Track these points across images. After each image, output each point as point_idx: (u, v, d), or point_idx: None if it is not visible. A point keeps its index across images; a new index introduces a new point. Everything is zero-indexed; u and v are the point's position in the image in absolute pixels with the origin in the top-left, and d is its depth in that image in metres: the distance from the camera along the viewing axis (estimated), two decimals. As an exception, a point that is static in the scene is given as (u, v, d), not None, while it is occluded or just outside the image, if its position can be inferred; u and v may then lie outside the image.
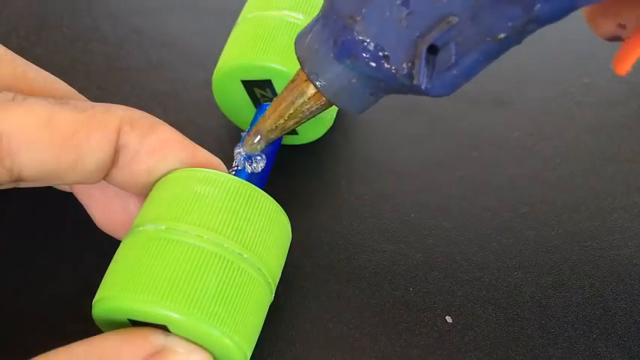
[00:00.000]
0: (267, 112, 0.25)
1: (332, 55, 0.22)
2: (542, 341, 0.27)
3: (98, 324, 0.24)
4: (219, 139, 0.32)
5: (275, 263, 0.24)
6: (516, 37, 0.21)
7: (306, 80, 0.24)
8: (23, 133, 0.22)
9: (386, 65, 0.22)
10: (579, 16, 0.38)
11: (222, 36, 0.31)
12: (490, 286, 0.28)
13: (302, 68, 0.24)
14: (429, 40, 0.21)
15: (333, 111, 0.31)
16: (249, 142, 0.26)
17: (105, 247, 0.25)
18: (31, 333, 0.27)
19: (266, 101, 0.30)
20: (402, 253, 0.29)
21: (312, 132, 0.31)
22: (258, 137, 0.26)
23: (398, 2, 0.21)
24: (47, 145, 0.22)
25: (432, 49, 0.21)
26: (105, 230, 0.27)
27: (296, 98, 0.24)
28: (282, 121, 0.25)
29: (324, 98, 0.24)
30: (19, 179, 0.23)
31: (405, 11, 0.21)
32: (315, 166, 0.32)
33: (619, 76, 0.35)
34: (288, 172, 0.31)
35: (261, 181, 0.27)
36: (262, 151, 0.27)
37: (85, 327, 0.23)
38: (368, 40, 0.21)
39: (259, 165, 0.27)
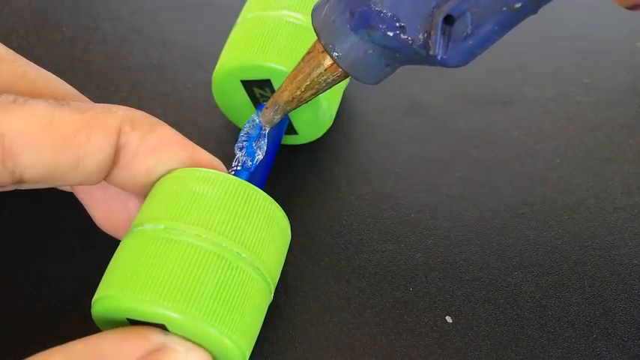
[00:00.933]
0: (283, 84, 0.26)
1: (348, 26, 0.23)
2: (542, 341, 0.27)
3: (97, 323, 0.24)
4: (219, 139, 0.32)
5: (274, 263, 0.24)
6: (532, 6, 0.21)
7: (322, 51, 0.24)
8: (25, 135, 0.22)
9: (402, 36, 0.22)
10: (580, 15, 0.38)
11: (222, 36, 0.31)
12: (490, 286, 0.28)
13: (318, 39, 0.24)
14: (445, 10, 0.21)
15: (333, 111, 0.31)
16: (268, 114, 0.26)
17: (105, 247, 0.25)
18: (31, 333, 0.27)
19: (265, 101, 0.30)
20: (402, 253, 0.29)
21: (312, 132, 0.31)
22: (276, 108, 0.26)
23: None
24: (49, 146, 0.22)
25: (448, 20, 0.21)
26: (105, 230, 0.27)
27: (312, 69, 0.25)
28: (298, 92, 0.25)
29: (340, 69, 0.24)
30: (20, 181, 0.23)
31: None
32: (315, 166, 0.32)
33: (619, 76, 0.35)
34: (288, 172, 0.31)
35: (261, 180, 0.27)
36: (261, 146, 0.27)
37: (85, 327, 0.23)
38: (384, 11, 0.21)
39: (261, 152, 0.27)
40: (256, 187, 0.24)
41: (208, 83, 0.30)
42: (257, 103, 0.30)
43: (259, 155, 0.27)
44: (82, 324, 0.24)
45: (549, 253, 0.29)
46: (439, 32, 0.21)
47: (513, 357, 0.26)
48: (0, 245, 0.29)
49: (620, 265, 0.29)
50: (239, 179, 0.24)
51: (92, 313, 0.23)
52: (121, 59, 0.36)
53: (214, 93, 0.30)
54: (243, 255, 0.23)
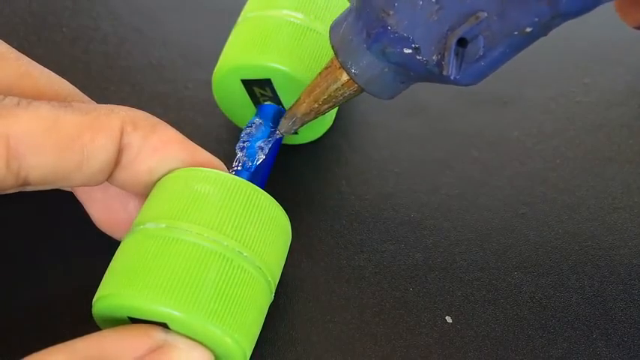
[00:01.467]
0: (302, 97, 0.26)
1: (365, 45, 0.23)
2: (542, 341, 0.27)
3: (98, 323, 0.24)
4: (219, 139, 0.32)
5: (275, 262, 0.24)
6: (542, 30, 0.21)
7: (339, 67, 0.25)
8: (29, 137, 0.22)
9: (417, 56, 0.22)
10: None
11: (222, 36, 0.31)
12: (490, 286, 0.28)
13: (336, 57, 0.25)
14: (459, 33, 0.21)
15: (332, 111, 0.31)
16: (286, 125, 0.27)
17: (105, 247, 0.25)
18: (31, 333, 0.27)
19: (265, 100, 0.30)
20: (402, 253, 0.29)
21: (311, 131, 0.31)
22: (294, 120, 0.27)
23: None
24: (53, 148, 0.22)
25: (461, 42, 0.22)
26: (104, 230, 0.27)
27: (330, 84, 0.25)
28: (316, 105, 0.26)
29: (356, 85, 0.25)
30: (25, 183, 0.23)
31: (436, 6, 0.22)
32: (315, 166, 0.32)
33: (619, 76, 0.35)
34: (288, 172, 0.31)
35: (261, 180, 0.27)
36: (264, 147, 0.28)
37: (85, 327, 0.23)
38: (399, 33, 0.22)
39: (263, 154, 0.28)
40: (257, 187, 0.24)
41: (208, 83, 0.30)
42: (257, 102, 0.30)
43: (261, 156, 0.27)
44: (83, 324, 0.23)
45: (549, 253, 0.29)
46: (452, 54, 0.22)
47: (513, 357, 0.26)
48: (0, 245, 0.29)
49: (620, 265, 0.29)
50: (241, 179, 0.24)
51: (93, 312, 0.23)
52: (121, 59, 0.35)
53: (214, 92, 0.30)
54: (245, 254, 0.23)
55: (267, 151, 0.28)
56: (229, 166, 0.27)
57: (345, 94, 0.26)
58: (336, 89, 0.26)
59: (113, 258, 0.23)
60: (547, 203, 0.30)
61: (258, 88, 0.29)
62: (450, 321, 0.27)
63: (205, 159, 0.25)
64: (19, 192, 0.27)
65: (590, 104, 0.34)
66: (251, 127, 0.29)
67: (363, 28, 0.23)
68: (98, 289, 0.23)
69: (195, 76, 0.35)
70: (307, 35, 0.29)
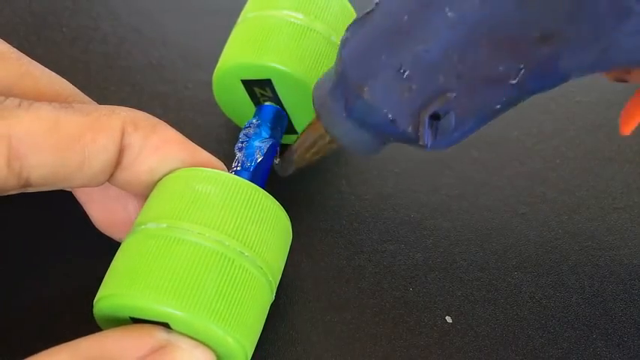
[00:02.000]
0: (295, 146, 0.27)
1: (344, 114, 0.24)
2: (542, 341, 0.27)
3: (100, 323, 0.24)
4: (219, 139, 0.32)
5: (276, 262, 0.24)
6: (512, 105, 0.22)
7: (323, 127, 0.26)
8: (31, 138, 0.22)
9: (392, 127, 0.23)
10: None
11: (222, 36, 0.31)
12: (490, 286, 0.28)
13: (318, 119, 0.25)
14: (430, 110, 0.22)
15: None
16: (283, 168, 0.28)
17: (105, 247, 0.25)
18: (31, 333, 0.27)
19: (266, 100, 0.30)
20: (402, 253, 0.29)
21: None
22: (289, 165, 0.28)
23: (400, 77, 0.22)
24: (54, 148, 0.22)
25: (435, 115, 0.22)
26: (102, 230, 0.27)
27: (317, 140, 0.26)
28: (307, 155, 0.27)
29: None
30: (27, 184, 0.23)
31: (407, 85, 0.22)
32: (315, 166, 0.32)
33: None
34: (288, 172, 0.31)
35: (261, 180, 0.27)
36: (262, 145, 0.28)
37: (86, 327, 0.23)
38: (375, 105, 0.23)
39: (261, 153, 0.28)
40: (258, 187, 0.24)
41: (208, 83, 0.30)
42: (258, 102, 0.30)
43: (259, 156, 0.28)
44: (83, 324, 0.23)
45: (549, 253, 0.29)
46: (426, 127, 0.23)
47: (513, 357, 0.26)
48: (0, 245, 0.29)
49: (620, 265, 0.29)
50: (241, 179, 0.24)
51: (94, 312, 0.23)
52: (121, 59, 0.36)
53: (215, 92, 0.30)
54: (246, 254, 0.23)
55: (265, 151, 0.28)
56: (229, 167, 0.27)
57: (332, 148, 0.26)
58: (323, 144, 0.26)
59: (114, 258, 0.23)
60: (547, 203, 0.30)
61: (259, 89, 0.29)
62: (450, 321, 0.27)
63: (205, 159, 0.25)
64: (19, 192, 0.27)
65: (590, 104, 0.34)
66: (249, 127, 0.29)
67: (342, 98, 0.24)
68: (99, 289, 0.23)
69: (195, 76, 0.35)
70: (307, 35, 0.29)
